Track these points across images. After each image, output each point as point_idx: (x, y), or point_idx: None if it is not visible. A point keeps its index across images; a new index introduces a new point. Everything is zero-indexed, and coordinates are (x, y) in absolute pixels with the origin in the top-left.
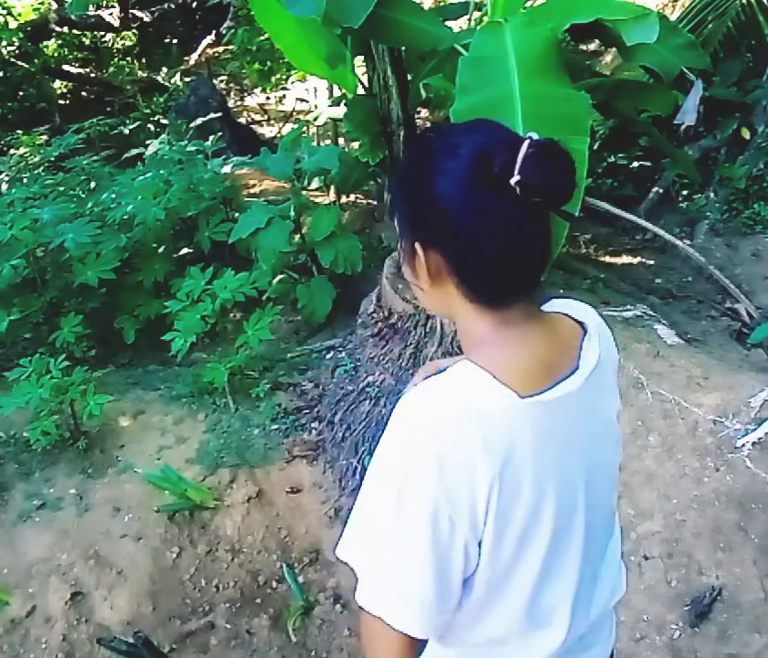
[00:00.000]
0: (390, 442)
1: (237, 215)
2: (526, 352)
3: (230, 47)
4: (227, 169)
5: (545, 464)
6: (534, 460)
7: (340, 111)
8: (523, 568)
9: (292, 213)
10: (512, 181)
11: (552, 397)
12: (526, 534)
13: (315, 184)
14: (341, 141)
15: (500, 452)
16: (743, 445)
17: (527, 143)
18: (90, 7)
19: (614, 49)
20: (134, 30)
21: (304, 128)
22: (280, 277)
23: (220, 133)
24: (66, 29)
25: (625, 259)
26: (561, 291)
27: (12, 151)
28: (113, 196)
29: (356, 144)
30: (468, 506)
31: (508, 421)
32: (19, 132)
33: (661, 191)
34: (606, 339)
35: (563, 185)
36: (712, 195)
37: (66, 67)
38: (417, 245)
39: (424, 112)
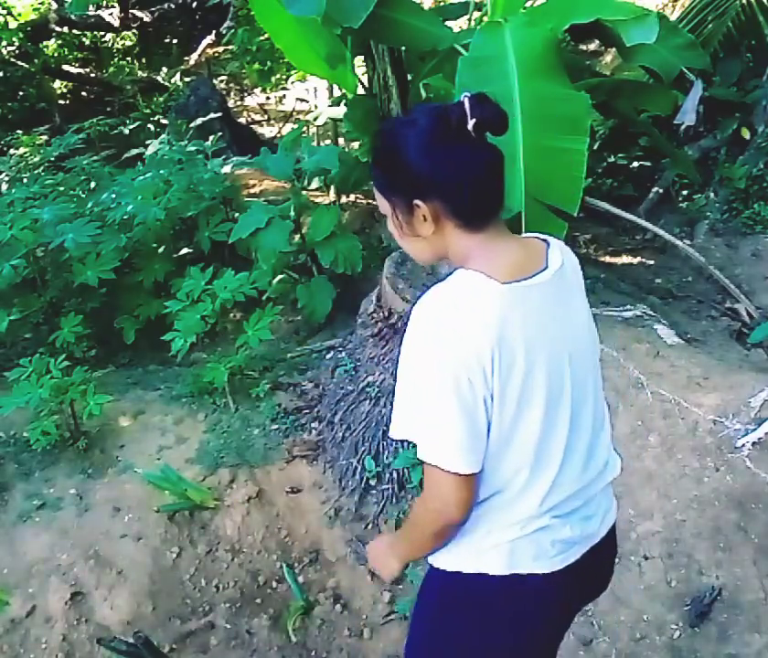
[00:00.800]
0: (413, 335)
1: (237, 215)
2: (503, 256)
3: (230, 47)
4: (227, 169)
5: (532, 336)
6: (523, 333)
7: (340, 111)
8: (524, 424)
9: (292, 213)
10: (469, 126)
11: (530, 284)
12: (524, 393)
13: (315, 184)
14: (341, 141)
15: (495, 328)
16: (743, 445)
17: (466, 98)
18: (90, 7)
19: (614, 49)
20: (134, 30)
21: (304, 128)
22: (280, 277)
23: (220, 133)
24: (66, 29)
25: (625, 259)
26: None
27: (12, 151)
28: (113, 196)
29: (356, 144)
30: (479, 369)
31: (498, 304)
32: (19, 132)
33: (661, 191)
34: (568, 253)
35: (502, 115)
36: (712, 195)
37: (66, 67)
38: (417, 202)
39: None
